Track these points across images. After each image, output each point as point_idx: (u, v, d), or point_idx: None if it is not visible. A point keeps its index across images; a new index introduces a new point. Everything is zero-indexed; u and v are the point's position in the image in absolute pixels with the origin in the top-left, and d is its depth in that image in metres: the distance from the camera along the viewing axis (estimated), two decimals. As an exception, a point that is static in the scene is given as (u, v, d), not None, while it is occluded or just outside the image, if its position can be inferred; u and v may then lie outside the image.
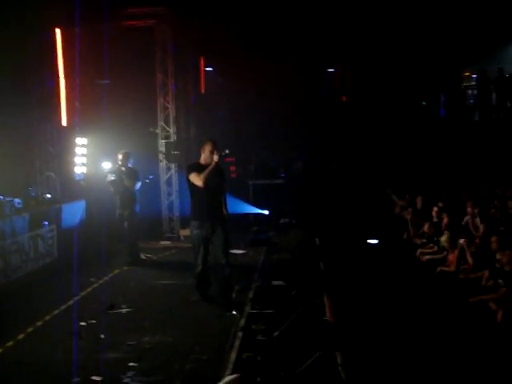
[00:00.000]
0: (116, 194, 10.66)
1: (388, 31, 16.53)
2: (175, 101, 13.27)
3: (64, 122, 11.95)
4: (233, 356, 5.88)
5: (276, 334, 5.96)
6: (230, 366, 5.62)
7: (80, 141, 12.08)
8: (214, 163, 7.66)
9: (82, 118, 12.19)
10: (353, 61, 17.68)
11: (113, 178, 10.57)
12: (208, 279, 8.07)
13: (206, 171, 7.61)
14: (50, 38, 11.56)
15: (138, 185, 10.77)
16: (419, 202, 12.44)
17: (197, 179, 7.66)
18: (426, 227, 10.57)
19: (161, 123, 13.22)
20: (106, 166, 10.96)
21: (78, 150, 12.06)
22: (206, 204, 7.79)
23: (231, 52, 16.61)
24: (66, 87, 11.92)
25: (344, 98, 17.95)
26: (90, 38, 12.24)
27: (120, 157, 10.68)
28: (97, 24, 12.10)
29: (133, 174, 10.70)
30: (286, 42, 16.67)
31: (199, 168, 7.76)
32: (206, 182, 7.62)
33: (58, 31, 11.69)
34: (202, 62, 17.54)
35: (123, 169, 10.61)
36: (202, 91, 17.55)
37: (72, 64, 11.90)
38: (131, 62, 13.28)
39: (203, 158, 7.85)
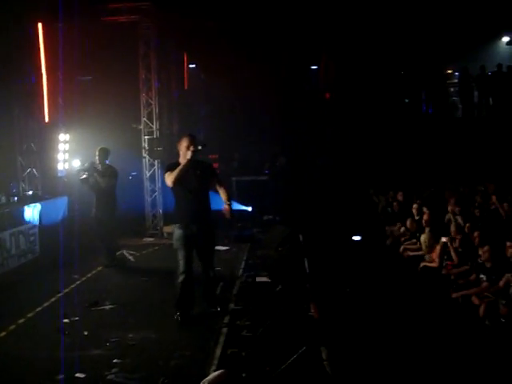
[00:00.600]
0: (93, 193, 10.15)
1: (372, 28, 16.58)
2: (158, 97, 13.19)
3: (46, 118, 11.84)
4: (218, 352, 5.88)
5: (261, 329, 5.95)
6: (216, 361, 5.61)
7: (63, 137, 11.99)
8: (186, 161, 6.95)
9: (65, 114, 12.09)
10: (336, 58, 17.72)
11: (84, 176, 10.00)
12: (191, 294, 7.12)
13: (177, 170, 6.94)
14: (31, 32, 11.44)
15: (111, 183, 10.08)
16: (400, 197, 12.55)
17: (167, 179, 7.07)
18: (408, 223, 10.64)
19: (144, 119, 13.13)
20: (76, 163, 10.71)
21: (61, 147, 11.97)
22: (190, 206, 7.08)
23: (214, 48, 16.56)
24: (48, 83, 11.82)
25: (327, 95, 17.98)
26: (73, 33, 12.15)
27: (96, 153, 10.15)
28: (80, 19, 12.00)
29: (109, 173, 10.05)
30: (270, 39, 16.65)
31: (176, 167, 7.07)
32: (183, 181, 6.99)
33: (40, 25, 11.55)
34: (186, 58, 17.47)
35: (98, 167, 10.05)
36: (186, 87, 17.50)
37: (54, 59, 11.81)
38: (114, 57, 13.19)
39: (181, 155, 7.12)
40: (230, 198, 7.24)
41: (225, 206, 7.13)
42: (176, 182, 6.97)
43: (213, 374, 5.12)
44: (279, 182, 15.18)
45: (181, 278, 7.00)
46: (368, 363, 5.58)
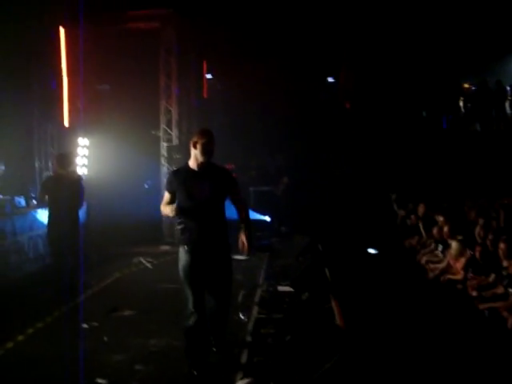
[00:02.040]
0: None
1: (391, 40, 16.54)
2: (178, 104, 13.15)
3: (66, 123, 11.81)
4: (243, 360, 5.74)
5: (288, 338, 5.81)
6: (242, 370, 5.46)
7: (82, 142, 11.95)
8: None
9: (85, 119, 12.07)
10: (356, 67, 17.66)
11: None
12: (205, 338, 5.63)
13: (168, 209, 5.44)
14: (53, 36, 11.45)
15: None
16: (421, 209, 12.36)
17: (162, 207, 5.60)
18: (434, 233, 10.47)
19: (163, 126, 13.10)
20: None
21: (80, 151, 11.93)
22: (198, 224, 5.43)
23: (233, 58, 16.58)
24: (69, 88, 11.80)
25: (348, 105, 17.91)
26: (94, 39, 12.20)
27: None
28: (101, 25, 12.05)
29: (70, 184, 8.52)
30: (289, 50, 16.64)
31: (186, 175, 5.48)
32: (190, 189, 5.42)
33: (61, 30, 11.55)
34: (205, 66, 17.48)
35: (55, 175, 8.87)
36: (205, 96, 17.49)
37: (75, 65, 11.81)
38: (134, 64, 13.24)
39: (192, 157, 5.47)
40: (249, 225, 5.58)
41: (241, 237, 5.51)
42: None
43: (240, 382, 4.98)
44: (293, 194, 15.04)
45: (190, 321, 5.48)
46: (396, 373, 5.45)
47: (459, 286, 8.33)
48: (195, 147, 5.38)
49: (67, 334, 6.65)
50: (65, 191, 8.31)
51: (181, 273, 5.57)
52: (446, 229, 9.95)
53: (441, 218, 10.85)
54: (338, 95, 18.77)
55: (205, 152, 5.35)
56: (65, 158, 8.65)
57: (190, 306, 5.46)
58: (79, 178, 8.91)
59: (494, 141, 16.16)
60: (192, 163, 5.45)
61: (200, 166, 5.39)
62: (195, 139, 5.40)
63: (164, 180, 13.19)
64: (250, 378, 4.95)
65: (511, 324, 6.71)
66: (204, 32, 14.59)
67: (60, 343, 6.41)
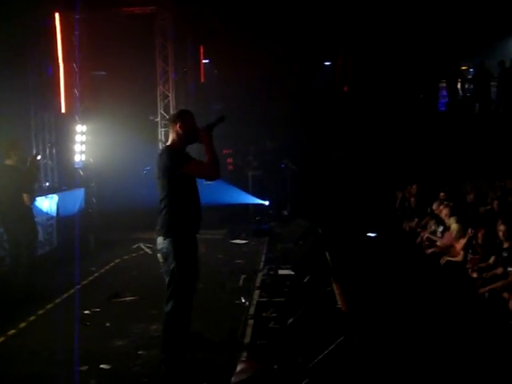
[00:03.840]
0: None
1: (389, 23, 16.45)
2: (175, 89, 13.08)
3: (63, 109, 11.73)
4: (246, 343, 5.74)
5: (290, 321, 5.82)
6: (245, 353, 5.47)
7: (79, 128, 11.88)
8: (209, 137, 5.12)
9: (82, 106, 11.99)
10: (354, 51, 17.58)
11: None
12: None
13: (214, 152, 5.11)
14: (49, 22, 11.32)
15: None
16: (414, 190, 12.44)
17: (213, 169, 5.13)
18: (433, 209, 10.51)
19: (161, 111, 13.03)
20: None
21: (78, 138, 11.86)
22: (197, 210, 5.33)
23: (230, 42, 16.48)
24: (65, 74, 11.70)
25: (346, 88, 17.84)
26: (89, 25, 12.10)
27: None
28: (96, 10, 11.94)
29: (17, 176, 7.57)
30: (286, 35, 16.53)
31: (186, 155, 5.22)
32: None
33: (57, 16, 11.43)
34: (202, 50, 17.37)
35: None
36: (202, 80, 17.40)
37: (71, 50, 11.73)
38: (131, 49, 13.13)
39: (183, 137, 5.18)
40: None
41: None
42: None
43: (244, 365, 4.97)
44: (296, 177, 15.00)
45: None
46: (398, 355, 5.47)
47: (460, 268, 8.36)
48: (185, 127, 5.15)
49: (69, 321, 6.66)
50: (10, 185, 7.46)
51: (187, 266, 5.14)
52: (445, 211, 9.99)
53: (441, 193, 10.93)
54: (335, 79, 18.69)
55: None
56: (9, 146, 7.56)
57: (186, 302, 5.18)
58: (31, 165, 7.84)
59: (492, 123, 16.11)
60: (179, 145, 5.20)
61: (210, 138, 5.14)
62: (188, 118, 5.22)
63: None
64: (254, 362, 4.94)
65: (512, 304, 6.75)
66: (200, 16, 14.48)
67: (62, 329, 6.40)
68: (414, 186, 12.56)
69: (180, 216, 5.13)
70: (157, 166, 5.17)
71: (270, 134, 17.11)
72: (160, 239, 5.20)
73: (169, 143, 5.26)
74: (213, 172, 5.12)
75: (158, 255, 5.24)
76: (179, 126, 5.14)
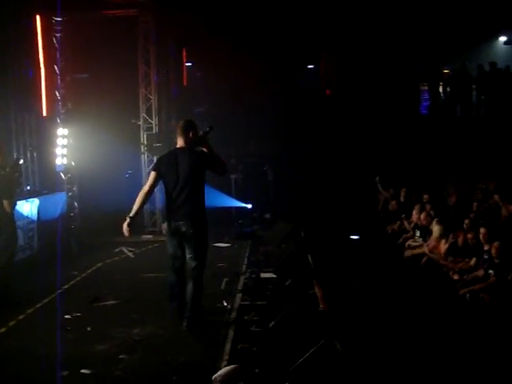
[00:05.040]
0: None
1: (371, 27, 16.53)
2: (158, 92, 13.04)
3: (44, 112, 11.64)
4: (228, 347, 5.73)
5: (272, 324, 5.82)
6: (226, 357, 5.46)
7: (61, 131, 11.79)
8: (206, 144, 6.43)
9: (63, 109, 11.91)
10: (337, 55, 17.63)
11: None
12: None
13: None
14: (29, 24, 11.23)
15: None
16: (403, 194, 12.46)
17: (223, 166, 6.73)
18: (414, 218, 10.57)
19: (143, 115, 12.98)
20: None
21: (59, 141, 11.77)
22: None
23: (212, 45, 16.45)
24: (46, 76, 11.61)
25: (328, 92, 17.88)
26: (71, 28, 12.04)
27: None
28: (78, 12, 11.88)
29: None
30: (268, 38, 16.55)
31: None
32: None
33: (38, 18, 11.35)
34: (184, 54, 17.34)
35: None
36: (185, 83, 17.36)
37: (52, 53, 11.65)
38: (113, 52, 13.06)
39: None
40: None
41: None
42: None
43: (225, 369, 4.98)
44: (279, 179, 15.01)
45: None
46: (380, 358, 5.48)
47: (441, 269, 8.43)
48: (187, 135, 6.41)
49: (49, 326, 6.61)
50: None
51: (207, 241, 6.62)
52: (424, 213, 10.09)
53: (425, 196, 11.00)
54: (318, 82, 18.73)
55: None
56: None
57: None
58: (13, 170, 7.72)
59: (473, 126, 16.27)
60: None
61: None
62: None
63: (145, 168, 13.11)
64: (235, 365, 4.93)
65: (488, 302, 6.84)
66: (183, 19, 14.45)
67: (42, 334, 6.36)
68: (403, 190, 12.57)
69: (202, 203, 6.47)
70: (183, 162, 6.34)
71: (253, 137, 17.12)
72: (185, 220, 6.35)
73: (182, 145, 6.44)
74: (226, 168, 6.84)
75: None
76: (192, 134, 6.39)
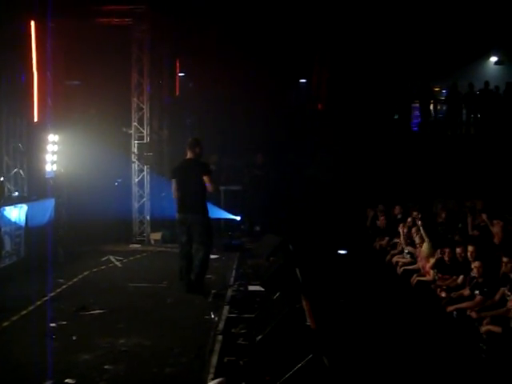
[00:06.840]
0: None
1: (363, 43, 16.67)
2: (150, 101, 13.03)
3: (35, 118, 11.57)
4: (214, 360, 5.67)
5: (259, 337, 5.79)
6: (212, 370, 5.40)
7: (51, 138, 11.72)
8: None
9: (55, 115, 11.84)
10: (329, 69, 17.74)
11: None
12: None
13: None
14: (24, 30, 11.18)
15: None
16: (397, 210, 12.47)
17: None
18: (402, 236, 10.58)
19: (134, 124, 12.95)
20: None
21: (49, 147, 11.70)
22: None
23: (206, 56, 16.50)
24: (39, 82, 11.55)
25: (320, 106, 17.97)
26: (65, 34, 12.03)
27: None
28: (72, 20, 11.88)
29: None
30: (261, 51, 16.62)
31: None
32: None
33: (32, 23, 11.31)
34: (178, 64, 17.36)
35: None
36: (177, 93, 17.37)
37: (46, 59, 11.59)
38: (106, 60, 13.05)
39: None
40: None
41: None
42: None
43: (211, 383, 4.94)
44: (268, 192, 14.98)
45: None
46: (367, 373, 5.49)
47: (429, 287, 8.44)
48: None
49: (34, 334, 6.54)
50: None
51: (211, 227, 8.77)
52: (414, 230, 10.09)
53: (415, 213, 10.99)
54: (310, 96, 18.81)
55: None
56: None
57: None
58: None
59: (463, 144, 16.41)
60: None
61: None
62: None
63: (134, 177, 13.08)
64: (221, 378, 4.90)
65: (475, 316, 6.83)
66: (177, 30, 14.49)
67: (27, 342, 6.29)
68: (398, 207, 12.58)
69: (204, 199, 8.47)
70: (189, 169, 8.47)
71: (244, 149, 17.11)
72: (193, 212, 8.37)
73: (191, 157, 8.50)
74: (215, 188, 9.01)
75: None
76: (199, 149, 8.45)
